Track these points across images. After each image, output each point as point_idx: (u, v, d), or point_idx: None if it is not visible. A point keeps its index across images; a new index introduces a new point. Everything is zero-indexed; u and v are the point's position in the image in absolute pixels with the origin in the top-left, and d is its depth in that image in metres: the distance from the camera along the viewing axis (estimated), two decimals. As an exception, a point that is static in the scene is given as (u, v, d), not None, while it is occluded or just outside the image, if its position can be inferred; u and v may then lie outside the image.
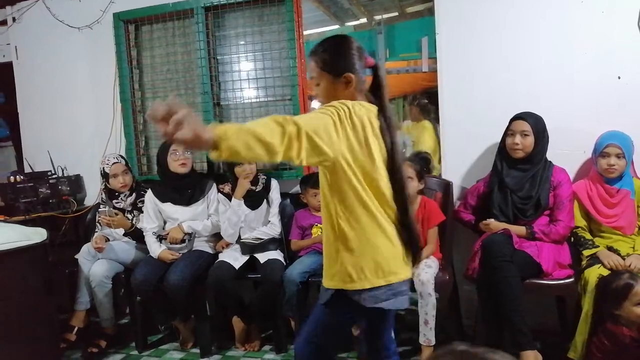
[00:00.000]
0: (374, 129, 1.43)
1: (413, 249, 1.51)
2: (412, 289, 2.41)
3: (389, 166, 1.45)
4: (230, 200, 2.85)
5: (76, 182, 3.54)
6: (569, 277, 2.29)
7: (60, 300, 2.92)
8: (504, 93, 2.64)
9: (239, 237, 2.87)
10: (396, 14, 4.94)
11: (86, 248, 2.90)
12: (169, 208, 2.89)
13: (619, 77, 2.49)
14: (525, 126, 2.40)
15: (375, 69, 1.58)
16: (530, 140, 2.41)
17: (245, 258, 2.77)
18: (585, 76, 2.53)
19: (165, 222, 2.94)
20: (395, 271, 1.45)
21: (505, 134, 2.47)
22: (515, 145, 2.41)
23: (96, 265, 2.83)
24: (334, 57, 1.51)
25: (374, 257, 1.43)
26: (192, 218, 2.90)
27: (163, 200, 2.89)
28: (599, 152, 2.37)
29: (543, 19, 2.57)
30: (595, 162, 2.43)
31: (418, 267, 1.55)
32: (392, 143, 1.45)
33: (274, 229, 2.87)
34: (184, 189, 2.89)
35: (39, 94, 3.74)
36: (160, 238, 2.87)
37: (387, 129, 1.45)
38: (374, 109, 1.47)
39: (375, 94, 1.53)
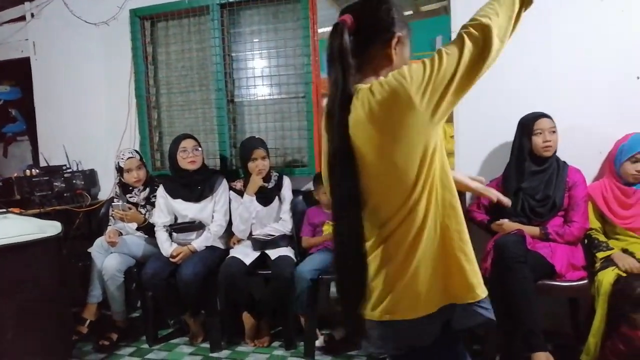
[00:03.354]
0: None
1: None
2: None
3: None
4: (242, 196, 2.86)
5: (90, 177, 3.58)
6: (582, 279, 2.26)
7: (73, 293, 2.96)
8: (518, 93, 2.62)
9: (250, 233, 2.88)
10: (410, 12, 4.89)
11: (99, 242, 2.94)
12: (179, 205, 2.91)
13: (638, 77, 2.46)
14: (552, 123, 2.40)
15: None
16: (556, 137, 2.41)
17: (257, 254, 2.78)
18: (603, 76, 2.50)
19: (176, 218, 2.96)
20: None
21: (528, 135, 2.42)
22: (546, 143, 2.38)
23: (109, 259, 2.85)
24: None
25: None
26: (202, 214, 2.91)
27: (174, 196, 2.91)
28: (629, 156, 2.32)
29: (561, 17, 2.54)
30: (617, 165, 2.37)
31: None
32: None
33: (285, 225, 2.88)
34: (193, 186, 2.90)
35: (56, 89, 3.79)
36: (172, 229, 2.89)
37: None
38: None
39: None
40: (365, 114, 1.04)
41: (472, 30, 1.06)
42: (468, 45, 1.04)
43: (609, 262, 2.22)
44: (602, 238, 2.36)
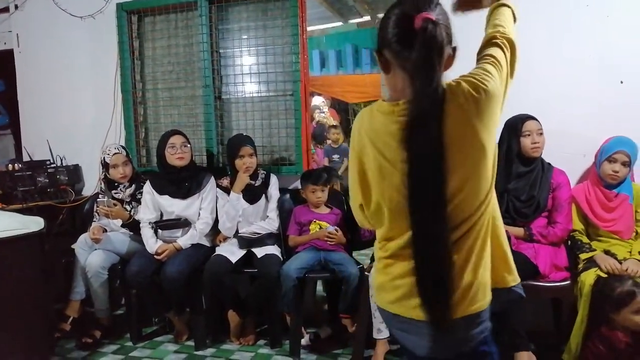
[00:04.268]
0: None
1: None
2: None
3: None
4: (228, 194, 2.84)
5: (75, 172, 3.54)
6: (565, 279, 2.29)
7: (56, 289, 2.92)
8: (505, 95, 2.64)
9: (237, 231, 2.87)
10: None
11: (83, 238, 2.90)
12: (165, 201, 2.88)
13: (622, 82, 2.50)
14: (539, 125, 2.43)
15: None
16: (543, 139, 2.44)
17: (243, 252, 2.77)
18: (588, 80, 2.53)
19: (162, 214, 2.93)
20: None
21: (517, 136, 2.43)
22: (535, 145, 2.41)
23: (93, 255, 2.82)
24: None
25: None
26: (188, 211, 2.89)
27: (161, 192, 2.89)
28: (607, 156, 2.37)
29: (545, 21, 2.57)
30: (598, 165, 2.43)
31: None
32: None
33: (271, 223, 2.87)
34: (181, 182, 2.88)
35: (40, 82, 3.73)
36: (157, 227, 2.87)
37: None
38: (389, 107, 1.12)
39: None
40: (471, 110, 1.05)
41: (506, 42, 1.18)
42: (507, 55, 1.18)
43: (591, 263, 2.25)
44: (585, 239, 2.40)
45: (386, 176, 1.13)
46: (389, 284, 1.17)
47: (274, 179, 2.94)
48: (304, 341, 2.71)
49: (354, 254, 2.89)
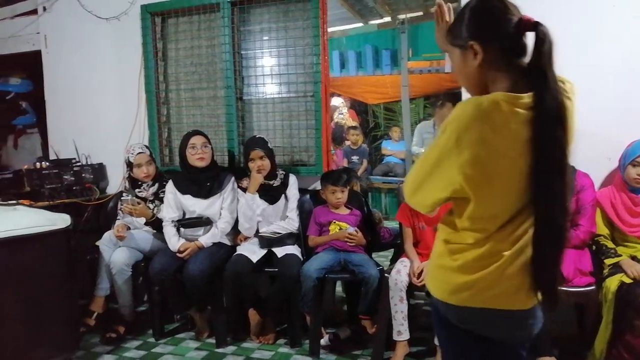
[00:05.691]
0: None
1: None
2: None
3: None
4: (247, 194, 2.87)
5: (99, 171, 3.61)
6: (589, 284, 2.26)
7: (81, 285, 2.98)
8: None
9: (257, 231, 2.90)
10: (420, 13, 4.85)
11: (107, 235, 2.96)
12: (188, 201, 2.93)
13: (648, 84, 2.45)
14: None
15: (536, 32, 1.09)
16: None
17: (263, 252, 2.79)
18: (613, 82, 2.49)
19: (184, 213, 2.98)
20: None
21: None
22: None
23: (117, 252, 2.88)
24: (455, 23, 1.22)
25: None
26: (210, 211, 2.93)
27: (183, 192, 2.93)
28: (630, 160, 2.33)
29: (572, 22, 2.53)
30: (622, 170, 2.38)
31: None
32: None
33: (291, 223, 2.89)
34: (203, 182, 2.92)
35: (66, 82, 3.81)
36: (180, 225, 2.91)
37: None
38: (517, 100, 1.07)
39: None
40: (572, 107, 1.14)
41: None
42: None
43: (617, 268, 2.22)
44: (610, 244, 2.36)
45: (500, 172, 1.09)
46: (498, 280, 1.14)
47: (292, 179, 2.96)
48: (323, 341, 2.72)
49: (373, 255, 2.89)
